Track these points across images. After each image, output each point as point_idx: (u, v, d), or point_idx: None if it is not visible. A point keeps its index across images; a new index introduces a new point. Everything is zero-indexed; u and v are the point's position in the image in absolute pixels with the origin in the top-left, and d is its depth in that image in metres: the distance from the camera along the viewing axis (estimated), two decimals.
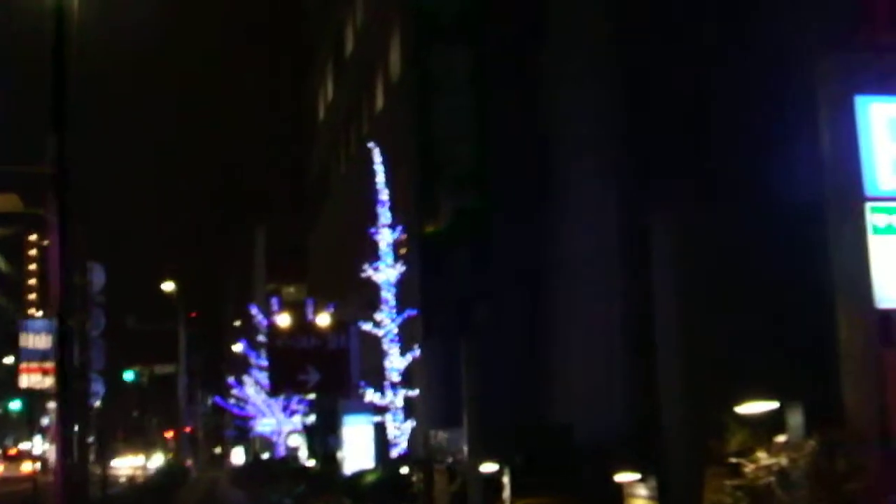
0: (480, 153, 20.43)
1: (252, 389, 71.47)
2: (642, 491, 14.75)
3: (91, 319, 26.27)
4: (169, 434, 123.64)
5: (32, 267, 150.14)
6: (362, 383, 32.80)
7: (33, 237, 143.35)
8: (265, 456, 72.86)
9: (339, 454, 33.72)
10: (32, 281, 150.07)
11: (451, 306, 20.41)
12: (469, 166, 20.40)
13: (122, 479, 57.54)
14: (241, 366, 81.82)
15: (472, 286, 20.20)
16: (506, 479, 18.61)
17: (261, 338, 69.39)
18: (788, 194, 22.81)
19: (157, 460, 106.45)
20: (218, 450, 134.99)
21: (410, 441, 30.88)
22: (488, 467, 19.14)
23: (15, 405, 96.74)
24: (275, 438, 71.37)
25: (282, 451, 69.16)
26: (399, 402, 30.85)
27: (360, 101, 46.71)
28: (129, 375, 67.66)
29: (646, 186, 26.71)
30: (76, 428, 26.40)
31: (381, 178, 31.52)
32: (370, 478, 27.86)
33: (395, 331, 30.97)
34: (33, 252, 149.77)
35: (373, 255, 31.93)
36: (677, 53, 26.30)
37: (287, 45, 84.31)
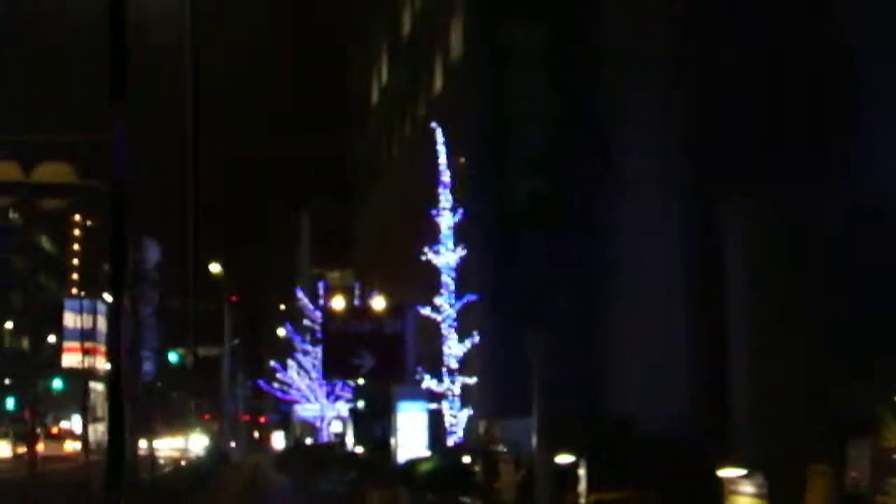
0: (556, 133, 19.62)
1: (296, 374, 70.81)
2: (748, 488, 13.95)
3: (143, 297, 25.50)
4: (209, 417, 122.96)
5: (76, 247, 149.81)
6: (418, 369, 32.02)
7: (77, 217, 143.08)
8: (308, 441, 72.14)
9: (392, 441, 32.96)
10: (75, 261, 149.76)
11: (521, 293, 19.62)
12: (544, 147, 19.61)
13: (164, 462, 57.07)
14: (285, 350, 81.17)
15: (545, 274, 19.41)
16: (581, 472, 17.82)
17: (306, 322, 68.67)
18: (868, 187, 21.97)
19: (197, 443, 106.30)
20: (256, 434, 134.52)
21: (466, 430, 30.12)
22: (561, 459, 18.35)
23: (56, 384, 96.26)
24: (318, 424, 70.76)
25: (325, 437, 68.50)
26: (456, 390, 30.07)
27: (417, 84, 45.93)
28: (172, 357, 67.02)
29: (714, 177, 25.99)
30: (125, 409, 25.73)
31: (442, 159, 30.72)
32: (426, 466, 27.11)
33: (454, 316, 30.20)
34: (77, 232, 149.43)
35: (432, 238, 31.15)
36: (746, 36, 25.46)
37: (339, 29, 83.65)
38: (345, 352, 33.20)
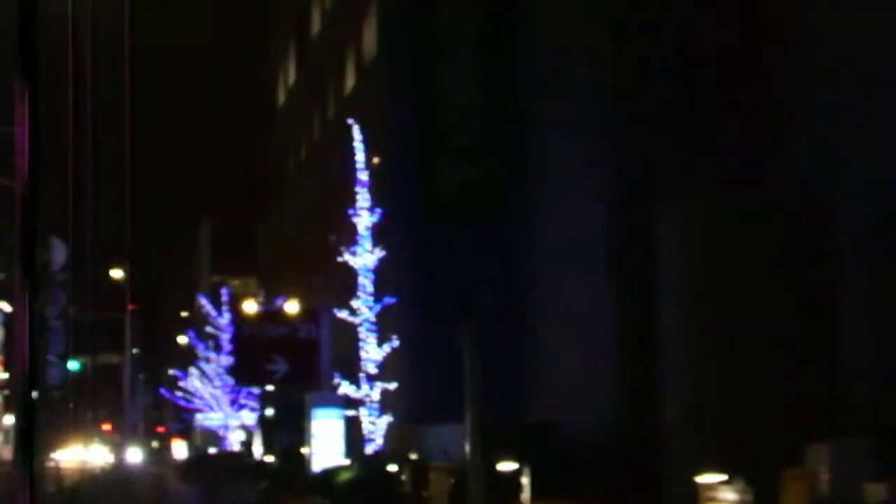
0: (490, 121, 18.65)
1: (198, 381, 69.35)
2: (729, 494, 13.07)
3: (50, 300, 24.04)
4: (107, 427, 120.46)
5: None
6: (334, 374, 30.84)
7: None
8: (211, 451, 70.58)
9: (305, 450, 31.81)
10: None
11: (452, 288, 18.61)
12: (474, 137, 18.64)
13: (68, 473, 55.24)
14: (186, 358, 79.37)
15: (475, 268, 18.42)
16: (525, 479, 16.88)
17: (209, 329, 67.24)
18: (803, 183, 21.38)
19: (97, 454, 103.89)
20: (155, 444, 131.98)
21: (385, 437, 29.07)
22: (503, 466, 17.39)
23: None
24: (221, 432, 69.29)
25: (228, 446, 67.09)
26: (375, 396, 29.00)
27: (327, 83, 44.84)
28: (72, 365, 65.00)
29: (645, 174, 25.37)
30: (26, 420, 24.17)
31: (360, 157, 29.66)
32: (346, 475, 26.04)
33: (373, 319, 29.13)
34: None
35: (348, 238, 30.09)
36: (675, 30, 24.89)
37: (243, 28, 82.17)
38: (257, 357, 31.97)
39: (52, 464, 37.98)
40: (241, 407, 66.71)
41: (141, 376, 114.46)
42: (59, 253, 23.93)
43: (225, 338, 66.80)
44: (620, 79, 26.23)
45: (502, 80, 19.76)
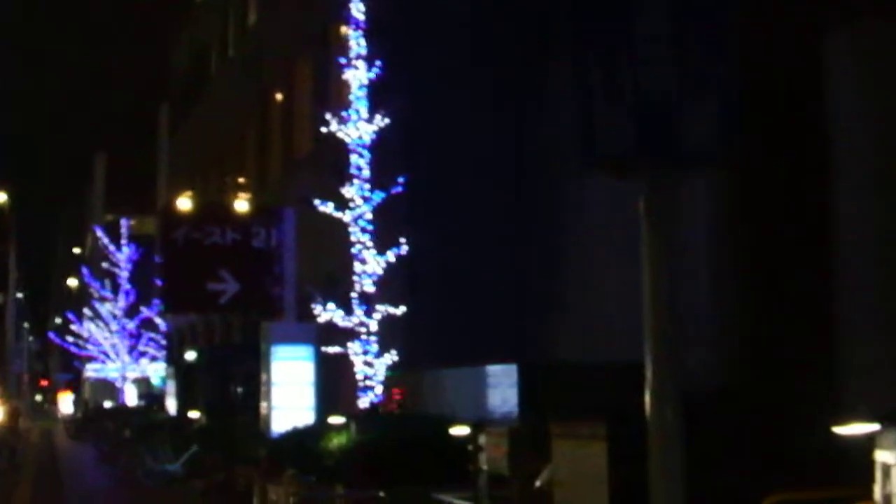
0: None
1: (93, 326, 61.02)
2: None
3: None
4: None
5: None
6: (311, 294, 21.58)
7: None
8: (107, 404, 61.74)
9: (263, 404, 22.65)
10: None
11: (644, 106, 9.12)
12: None
13: None
14: (78, 300, 71.54)
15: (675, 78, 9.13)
16: None
17: (106, 265, 59.90)
18: None
19: None
20: (39, 398, 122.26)
21: (386, 384, 20.14)
22: None
23: None
24: (118, 384, 60.66)
25: (124, 400, 58.64)
26: (373, 325, 20.04)
27: None
28: None
29: None
30: None
31: None
32: (338, 440, 17.05)
33: (370, 216, 20.17)
34: None
35: (337, 104, 21.12)
36: None
37: None
38: (197, 273, 22.71)
39: None
40: (142, 355, 59.19)
41: (26, 324, 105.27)
42: None
43: (124, 276, 59.13)
44: None
45: None
